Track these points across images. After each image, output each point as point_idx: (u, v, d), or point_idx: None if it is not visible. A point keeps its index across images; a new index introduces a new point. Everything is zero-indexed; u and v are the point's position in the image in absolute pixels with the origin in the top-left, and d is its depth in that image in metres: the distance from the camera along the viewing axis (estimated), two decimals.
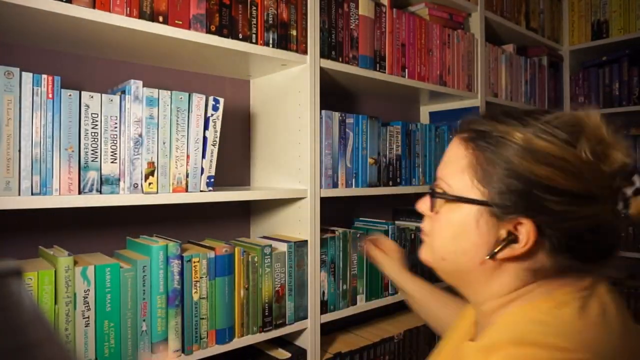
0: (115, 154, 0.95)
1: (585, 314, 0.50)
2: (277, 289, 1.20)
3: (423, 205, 0.62)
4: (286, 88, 1.32)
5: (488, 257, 0.54)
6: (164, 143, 1.01)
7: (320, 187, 1.30)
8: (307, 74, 1.25)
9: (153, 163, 0.99)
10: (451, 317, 0.87)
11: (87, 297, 0.90)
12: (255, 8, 1.14)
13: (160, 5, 0.98)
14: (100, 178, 0.93)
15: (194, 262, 1.04)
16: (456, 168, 0.57)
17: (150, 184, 0.99)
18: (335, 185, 1.34)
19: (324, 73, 1.31)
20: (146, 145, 0.98)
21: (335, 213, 1.50)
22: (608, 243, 0.54)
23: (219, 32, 1.07)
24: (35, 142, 0.86)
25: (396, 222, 1.62)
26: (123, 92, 0.98)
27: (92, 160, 0.92)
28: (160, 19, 0.98)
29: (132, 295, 0.95)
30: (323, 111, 1.30)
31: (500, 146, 0.53)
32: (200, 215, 1.35)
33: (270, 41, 1.17)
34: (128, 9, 0.93)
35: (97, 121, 0.93)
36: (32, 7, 0.82)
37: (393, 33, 1.50)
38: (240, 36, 1.11)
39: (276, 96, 1.36)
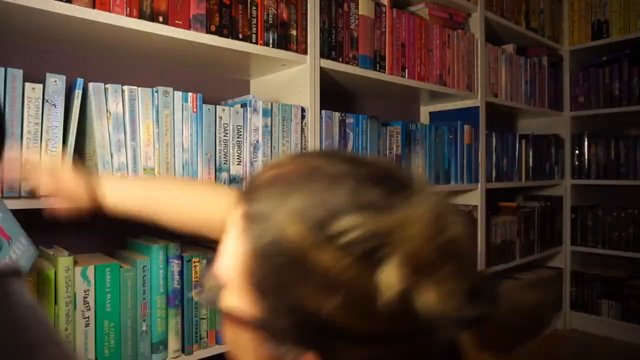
0: (240, 157, 1.14)
1: None
2: None
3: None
4: (286, 88, 1.32)
5: None
6: (274, 148, 1.18)
7: None
8: (307, 74, 1.25)
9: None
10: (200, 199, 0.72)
11: (87, 297, 0.90)
12: (255, 8, 1.14)
13: (160, 5, 0.98)
14: (229, 178, 1.11)
15: (194, 262, 1.04)
16: (232, 256, 0.40)
17: None
18: None
19: (324, 73, 1.31)
20: (262, 150, 1.16)
21: None
22: None
23: (219, 32, 1.07)
24: (185, 149, 1.04)
25: None
26: (244, 104, 1.15)
27: (224, 163, 1.11)
28: (160, 19, 0.98)
29: (132, 295, 0.95)
30: (323, 111, 1.30)
31: (274, 245, 0.36)
32: None
33: (270, 41, 1.17)
34: (128, 9, 0.93)
35: (227, 130, 1.11)
36: (32, 7, 0.82)
37: (393, 33, 1.50)
38: (240, 36, 1.11)
39: (276, 96, 1.36)
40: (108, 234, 1.18)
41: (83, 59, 1.13)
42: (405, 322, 0.34)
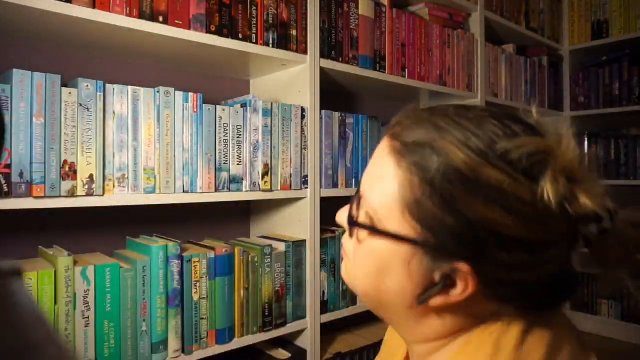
0: (240, 157, 1.14)
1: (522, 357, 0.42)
2: (277, 289, 1.20)
3: (343, 217, 0.51)
4: (286, 88, 1.32)
5: (419, 302, 0.44)
6: (274, 148, 1.18)
7: (320, 187, 1.30)
8: (307, 74, 1.25)
9: (267, 165, 1.17)
10: None
11: (87, 297, 0.90)
12: (255, 8, 1.14)
13: (160, 5, 0.98)
14: (229, 178, 1.11)
15: (194, 262, 1.04)
16: (385, 191, 0.44)
17: (265, 182, 1.17)
18: (335, 185, 1.34)
19: (324, 73, 1.31)
20: (262, 150, 1.16)
21: (335, 213, 1.50)
22: (563, 289, 0.45)
23: (219, 32, 1.07)
24: (185, 149, 1.04)
25: None
26: (244, 105, 1.15)
27: (224, 163, 1.11)
28: (160, 19, 0.98)
29: (132, 295, 0.95)
30: (323, 111, 1.30)
31: (438, 171, 0.40)
32: (200, 215, 1.35)
33: (270, 41, 1.17)
34: (128, 9, 0.93)
35: (227, 130, 1.11)
36: (32, 7, 0.82)
37: (393, 33, 1.50)
38: (240, 36, 1.11)
39: (276, 96, 1.36)
40: (108, 234, 1.18)
41: (83, 59, 1.13)
42: (561, 225, 0.39)
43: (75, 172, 0.89)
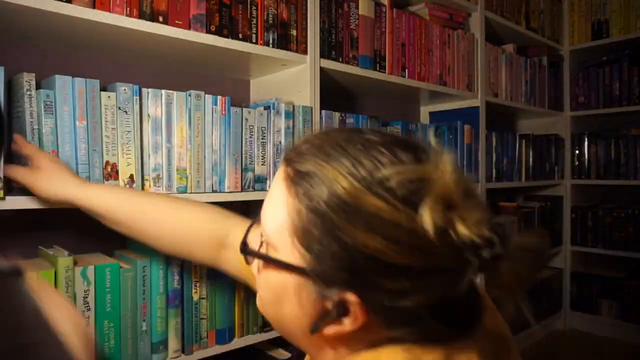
0: (264, 157, 1.17)
1: None
2: None
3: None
4: (286, 88, 1.32)
5: (311, 332, 0.44)
6: None
7: None
8: (307, 74, 1.25)
9: None
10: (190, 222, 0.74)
11: (87, 297, 0.90)
12: (255, 8, 1.14)
13: (160, 5, 0.98)
14: (254, 177, 1.14)
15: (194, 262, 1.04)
16: (276, 217, 0.45)
17: None
18: None
19: (324, 73, 1.31)
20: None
21: None
22: (464, 314, 0.45)
23: (219, 32, 1.07)
24: (214, 150, 1.07)
25: None
26: (267, 107, 1.18)
27: (250, 164, 1.14)
28: (160, 19, 0.98)
29: (132, 295, 0.95)
30: (323, 111, 1.30)
31: (322, 199, 0.41)
32: None
33: (270, 41, 1.17)
34: (128, 9, 0.93)
35: (252, 131, 1.14)
36: (32, 7, 0.82)
37: (393, 33, 1.50)
38: (240, 36, 1.11)
39: (276, 96, 1.36)
40: (108, 234, 1.18)
41: (83, 59, 1.13)
42: (442, 252, 0.39)
43: (117, 172, 0.93)
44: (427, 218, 0.38)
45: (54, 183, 0.78)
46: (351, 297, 0.41)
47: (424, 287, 0.40)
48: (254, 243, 0.50)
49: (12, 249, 1.03)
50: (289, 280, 0.44)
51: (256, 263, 0.50)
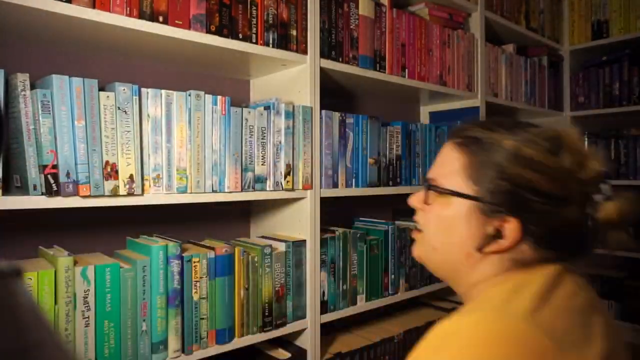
0: (264, 157, 1.17)
1: (538, 296, 0.53)
2: (277, 288, 1.20)
3: (416, 198, 0.67)
4: (286, 88, 1.32)
5: (476, 250, 0.59)
6: (296, 148, 1.22)
7: (320, 187, 1.30)
8: (307, 74, 1.25)
9: (289, 165, 1.21)
10: None
11: (87, 297, 0.90)
12: (255, 8, 1.14)
13: (160, 5, 0.98)
14: (254, 177, 1.15)
15: (194, 262, 1.04)
16: (450, 169, 0.61)
17: (287, 181, 1.21)
18: (335, 185, 1.34)
19: (324, 73, 1.31)
20: (285, 150, 1.19)
21: (335, 213, 1.50)
22: (582, 241, 0.59)
23: (219, 32, 1.07)
24: (214, 150, 1.07)
25: (396, 222, 1.62)
26: (267, 107, 1.18)
27: (249, 163, 1.14)
28: (160, 19, 0.98)
29: (132, 295, 0.95)
30: (323, 111, 1.30)
31: (492, 151, 0.57)
32: (200, 215, 1.35)
33: (270, 41, 1.17)
34: (128, 8, 0.93)
35: (252, 131, 1.14)
36: (32, 7, 0.82)
37: (393, 33, 1.50)
38: (240, 36, 1.11)
39: (276, 96, 1.36)
40: (108, 234, 1.18)
41: (83, 59, 1.14)
42: (574, 185, 0.55)
43: (116, 172, 0.93)
44: (566, 157, 0.55)
45: None
46: (511, 220, 0.56)
47: (562, 212, 0.55)
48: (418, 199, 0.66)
49: (12, 249, 1.04)
50: (460, 208, 0.59)
51: (429, 201, 0.63)
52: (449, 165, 0.61)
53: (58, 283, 0.87)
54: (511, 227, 0.56)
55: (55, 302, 0.86)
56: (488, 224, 0.57)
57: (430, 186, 0.63)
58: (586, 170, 0.55)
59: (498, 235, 0.57)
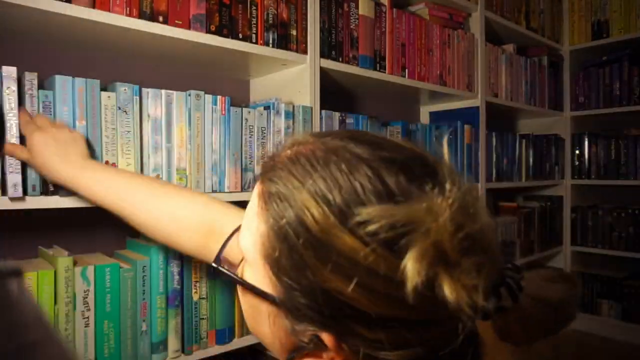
0: (264, 158, 1.14)
1: None
2: None
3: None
4: (286, 88, 1.32)
5: (293, 357, 0.41)
6: None
7: None
8: (307, 73, 1.25)
9: None
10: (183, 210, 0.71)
11: (86, 298, 0.90)
12: (255, 8, 1.14)
13: (160, 5, 0.98)
14: (254, 178, 1.14)
15: (194, 262, 1.04)
16: (251, 236, 0.41)
17: None
18: None
19: (324, 73, 1.31)
20: None
21: None
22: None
23: (219, 32, 1.07)
24: (214, 150, 1.07)
25: None
26: (267, 107, 1.18)
27: (249, 164, 1.14)
28: (160, 18, 0.98)
29: (132, 295, 0.95)
30: (323, 111, 1.30)
31: (292, 227, 0.35)
32: None
33: (270, 41, 1.17)
34: (128, 8, 0.93)
35: (252, 131, 1.14)
36: (32, 7, 0.82)
37: (393, 33, 1.50)
38: (240, 36, 1.11)
39: (276, 96, 1.36)
40: (108, 234, 1.18)
41: (83, 59, 1.13)
42: (424, 310, 0.34)
43: None
44: (406, 271, 0.31)
45: (49, 165, 0.78)
46: (326, 337, 0.37)
47: (418, 339, 0.35)
48: (235, 252, 0.45)
49: (12, 249, 1.04)
50: (263, 305, 0.40)
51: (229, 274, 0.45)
52: (252, 226, 0.41)
53: (58, 283, 0.86)
54: (329, 344, 0.37)
55: (55, 302, 0.86)
56: (298, 332, 0.38)
57: (219, 270, 0.44)
58: (443, 295, 0.32)
59: (318, 346, 0.38)
